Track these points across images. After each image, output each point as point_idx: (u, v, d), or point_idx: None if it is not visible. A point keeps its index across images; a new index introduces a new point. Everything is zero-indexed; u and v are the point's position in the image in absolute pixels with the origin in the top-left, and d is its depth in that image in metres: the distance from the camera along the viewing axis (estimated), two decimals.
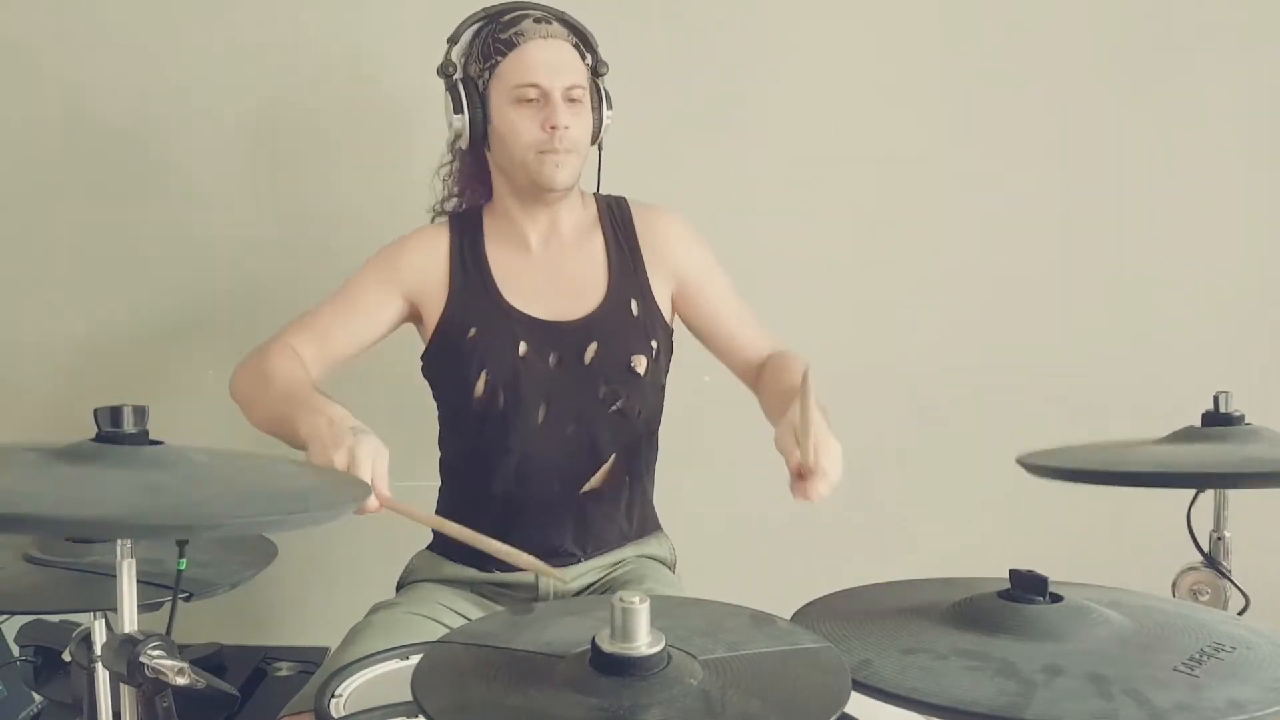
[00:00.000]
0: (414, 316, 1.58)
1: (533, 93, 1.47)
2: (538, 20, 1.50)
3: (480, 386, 1.52)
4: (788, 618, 0.96)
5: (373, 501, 1.17)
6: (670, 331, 1.61)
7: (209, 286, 2.07)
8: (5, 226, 2.08)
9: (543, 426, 1.53)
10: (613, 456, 1.56)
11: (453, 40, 1.54)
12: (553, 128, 1.47)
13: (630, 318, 1.55)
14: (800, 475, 1.21)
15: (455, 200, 1.63)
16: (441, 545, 1.61)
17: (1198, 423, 1.34)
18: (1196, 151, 2.01)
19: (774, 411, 1.43)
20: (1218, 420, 1.32)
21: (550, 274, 1.56)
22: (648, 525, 1.65)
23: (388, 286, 1.56)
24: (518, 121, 1.48)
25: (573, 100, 1.49)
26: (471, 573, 1.57)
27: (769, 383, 1.50)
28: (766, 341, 1.59)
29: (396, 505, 1.20)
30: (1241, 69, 2.00)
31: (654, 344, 1.56)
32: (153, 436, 0.99)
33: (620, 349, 1.53)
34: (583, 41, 1.55)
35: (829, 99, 2.02)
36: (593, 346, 1.52)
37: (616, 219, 1.60)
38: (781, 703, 0.78)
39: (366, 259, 1.59)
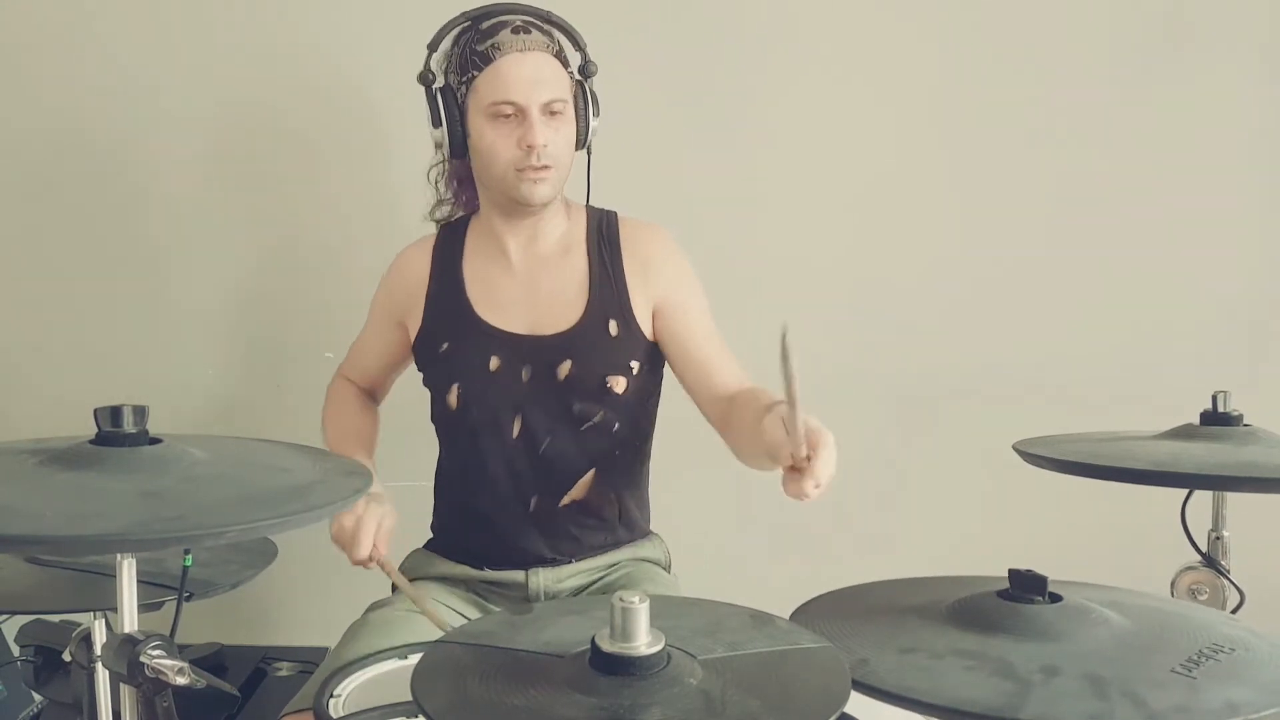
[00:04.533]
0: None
1: (508, 109, 1.43)
2: (516, 30, 1.45)
3: (454, 399, 1.52)
4: (787, 617, 0.96)
5: (362, 551, 1.36)
6: (652, 348, 1.54)
7: (208, 287, 2.07)
8: (5, 228, 2.08)
9: (518, 440, 1.51)
10: (592, 470, 1.54)
11: (432, 47, 1.50)
12: (529, 146, 1.43)
13: (608, 338, 1.51)
14: (793, 468, 1.13)
15: (449, 205, 1.62)
16: (436, 544, 1.62)
17: (1196, 421, 1.34)
18: (1198, 148, 2.01)
19: (747, 439, 1.33)
20: (1216, 420, 1.33)
21: (528, 287, 1.54)
22: (638, 529, 1.64)
23: (388, 319, 1.61)
24: (495, 140, 1.45)
25: (553, 113, 1.45)
26: (465, 571, 1.57)
27: (742, 411, 1.38)
28: (739, 376, 1.49)
29: (386, 566, 1.39)
30: (1241, 66, 2.00)
31: (634, 364, 1.52)
32: (151, 434, 0.99)
33: (595, 369, 1.50)
34: (570, 42, 1.52)
35: (823, 99, 2.02)
36: (567, 364, 1.50)
37: (604, 235, 1.55)
38: (781, 702, 0.78)
39: (367, 264, 1.63)
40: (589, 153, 1.56)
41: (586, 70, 1.52)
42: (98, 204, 2.06)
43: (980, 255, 2.04)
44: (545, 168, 1.45)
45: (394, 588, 1.61)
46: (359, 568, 1.40)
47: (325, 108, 2.03)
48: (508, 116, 1.44)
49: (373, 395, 1.70)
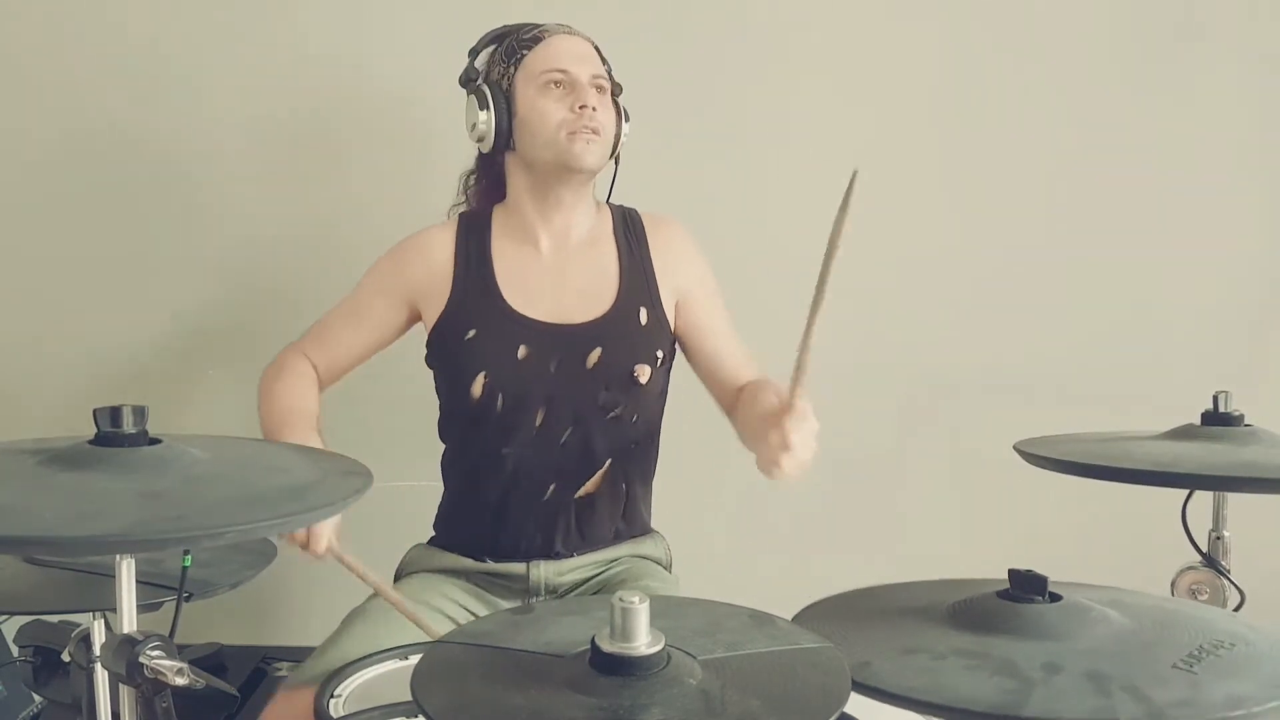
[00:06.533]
0: (416, 317, 1.59)
1: (560, 77, 1.49)
2: (559, 24, 1.55)
3: (478, 388, 1.52)
4: (787, 618, 0.96)
5: (321, 544, 1.34)
6: (674, 340, 1.60)
7: (209, 286, 2.07)
8: (6, 227, 2.08)
9: (540, 430, 1.52)
10: (609, 462, 1.55)
11: (473, 53, 1.57)
12: (581, 107, 1.48)
13: (638, 326, 1.54)
14: (780, 411, 1.25)
15: (465, 205, 1.66)
16: (439, 538, 1.63)
17: (1197, 420, 1.34)
18: (1199, 148, 2.01)
19: (750, 425, 1.42)
20: (1217, 420, 1.32)
21: (557, 276, 1.55)
22: (642, 526, 1.65)
23: (392, 296, 1.58)
24: (546, 105, 1.49)
25: (599, 89, 1.52)
26: (466, 563, 1.58)
27: (747, 400, 1.48)
28: (750, 367, 1.57)
29: (341, 557, 1.36)
30: (1243, 66, 2.01)
31: (659, 354, 1.55)
32: (151, 434, 0.99)
33: (624, 357, 1.52)
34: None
35: (825, 100, 2.02)
36: (596, 352, 1.51)
37: (630, 229, 1.60)
38: (781, 703, 0.78)
39: (375, 260, 1.61)
40: (616, 161, 1.60)
41: (614, 91, 1.58)
42: (97, 203, 2.06)
43: (981, 255, 2.04)
44: (595, 132, 1.49)
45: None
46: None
47: (332, 109, 2.03)
48: (558, 84, 1.49)
49: (322, 383, 1.59)
